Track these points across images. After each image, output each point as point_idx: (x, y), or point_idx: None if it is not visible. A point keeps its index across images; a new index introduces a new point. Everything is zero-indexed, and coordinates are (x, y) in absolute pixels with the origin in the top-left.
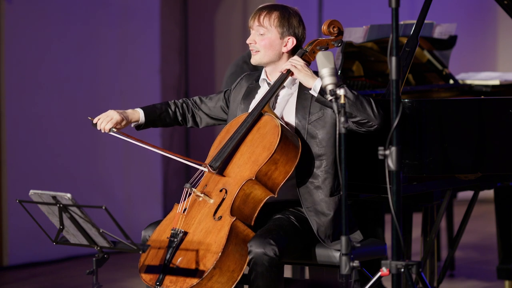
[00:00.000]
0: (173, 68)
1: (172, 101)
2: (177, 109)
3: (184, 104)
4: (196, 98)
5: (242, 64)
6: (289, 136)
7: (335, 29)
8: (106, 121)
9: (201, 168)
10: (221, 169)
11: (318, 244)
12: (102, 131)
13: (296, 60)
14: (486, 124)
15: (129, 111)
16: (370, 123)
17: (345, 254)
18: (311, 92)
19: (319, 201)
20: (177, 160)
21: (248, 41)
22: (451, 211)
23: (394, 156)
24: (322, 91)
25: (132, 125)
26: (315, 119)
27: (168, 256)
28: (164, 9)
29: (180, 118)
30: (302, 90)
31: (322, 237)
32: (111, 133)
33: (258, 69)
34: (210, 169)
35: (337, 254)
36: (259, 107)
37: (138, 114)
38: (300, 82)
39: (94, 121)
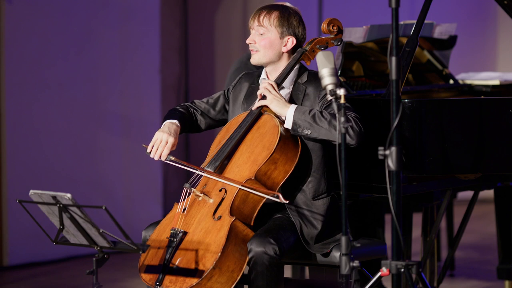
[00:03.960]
0: (173, 68)
1: (179, 105)
2: (189, 114)
3: (189, 109)
4: (196, 102)
5: (246, 60)
6: (289, 136)
7: (335, 27)
8: (162, 146)
9: (269, 197)
10: (220, 168)
11: None
12: (157, 158)
13: (270, 88)
14: (486, 124)
15: (170, 126)
16: (349, 144)
17: (345, 254)
18: (285, 125)
19: (301, 204)
20: (247, 191)
21: (248, 41)
22: (451, 211)
23: (394, 156)
24: (295, 124)
25: None
26: None
27: (167, 256)
28: (164, 9)
29: (190, 122)
30: (296, 90)
31: (307, 238)
32: (166, 161)
33: (260, 67)
34: (283, 199)
35: (337, 254)
36: (259, 106)
37: (176, 124)
38: (295, 82)
39: (148, 150)
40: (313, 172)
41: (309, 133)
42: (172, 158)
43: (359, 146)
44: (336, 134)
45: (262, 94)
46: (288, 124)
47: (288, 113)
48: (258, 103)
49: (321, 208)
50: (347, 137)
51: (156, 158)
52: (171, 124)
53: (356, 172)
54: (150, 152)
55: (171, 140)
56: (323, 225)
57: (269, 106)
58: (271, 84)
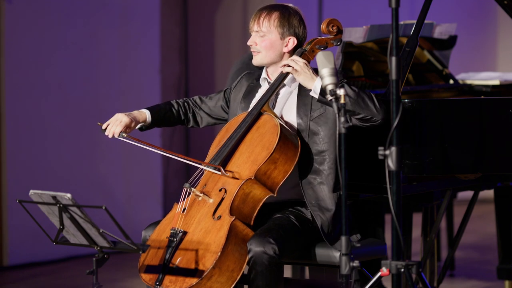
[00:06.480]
0: (173, 68)
1: (174, 100)
2: (180, 109)
3: (185, 104)
4: (197, 98)
5: (248, 61)
6: (288, 135)
7: (334, 28)
8: (115, 125)
9: (215, 172)
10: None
11: (318, 244)
12: (110, 135)
13: (296, 61)
14: (486, 124)
15: (135, 112)
16: (374, 118)
17: (345, 254)
18: (312, 94)
19: (323, 197)
20: (179, 160)
21: (249, 43)
22: (451, 211)
23: (394, 156)
24: (323, 91)
25: (137, 126)
26: (317, 115)
27: (167, 255)
28: (164, 9)
29: (182, 117)
30: (303, 87)
31: (326, 232)
32: (120, 138)
33: (261, 68)
34: (224, 173)
35: (337, 254)
36: (259, 106)
37: (145, 115)
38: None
39: (104, 127)
40: (332, 164)
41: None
42: (125, 134)
43: (379, 126)
44: (371, 108)
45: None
46: (316, 93)
47: (316, 83)
48: (286, 69)
49: (339, 200)
50: (374, 109)
51: (110, 135)
52: (137, 111)
53: (356, 172)
54: (105, 130)
55: (125, 119)
56: (340, 219)
57: (296, 76)
58: (298, 59)
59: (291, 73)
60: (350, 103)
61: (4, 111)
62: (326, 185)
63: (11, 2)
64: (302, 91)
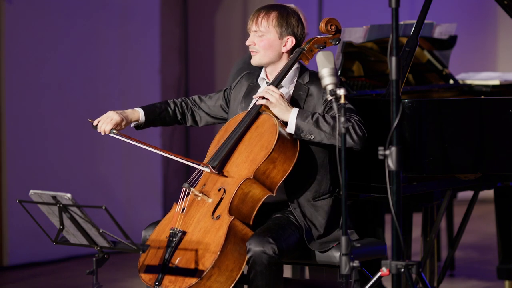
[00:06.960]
0: (173, 68)
1: (172, 100)
2: (176, 108)
3: (183, 103)
4: (196, 97)
5: (249, 60)
6: (287, 135)
7: (333, 27)
8: (106, 122)
9: (201, 168)
10: (219, 168)
11: None
12: (102, 133)
13: (271, 92)
14: (486, 124)
15: (129, 111)
16: (352, 148)
17: (345, 254)
18: (288, 130)
19: (304, 203)
20: (177, 160)
21: (247, 43)
22: (451, 211)
23: (394, 156)
24: (297, 129)
25: (132, 125)
26: None
27: (167, 255)
28: (164, 9)
29: (179, 117)
30: (297, 90)
31: (309, 239)
32: (111, 134)
33: (261, 67)
34: (212, 170)
35: (337, 254)
36: (257, 106)
37: (138, 114)
38: (296, 82)
39: (94, 123)
40: (314, 173)
41: (312, 137)
42: (115, 131)
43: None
44: (348, 141)
45: (262, 97)
46: (291, 129)
47: (291, 118)
48: (260, 101)
49: (323, 209)
50: (350, 141)
51: (102, 133)
52: (130, 110)
53: (356, 172)
54: (96, 126)
55: (115, 117)
56: (326, 227)
57: (271, 110)
58: (273, 90)
59: (267, 104)
60: (326, 138)
61: (4, 111)
62: (306, 193)
63: (11, 2)
64: (297, 94)
